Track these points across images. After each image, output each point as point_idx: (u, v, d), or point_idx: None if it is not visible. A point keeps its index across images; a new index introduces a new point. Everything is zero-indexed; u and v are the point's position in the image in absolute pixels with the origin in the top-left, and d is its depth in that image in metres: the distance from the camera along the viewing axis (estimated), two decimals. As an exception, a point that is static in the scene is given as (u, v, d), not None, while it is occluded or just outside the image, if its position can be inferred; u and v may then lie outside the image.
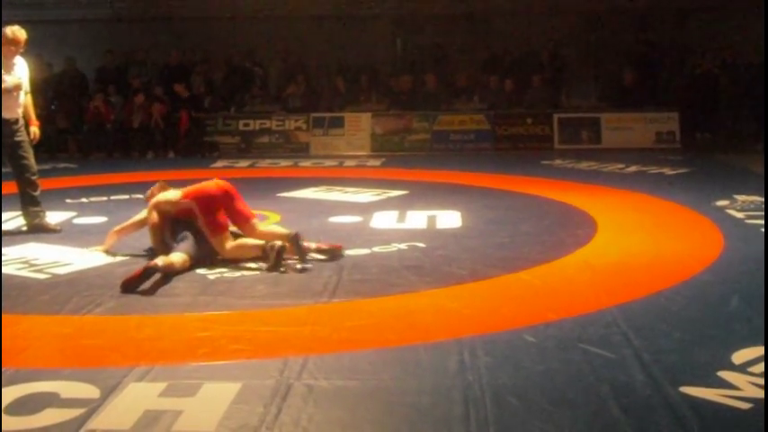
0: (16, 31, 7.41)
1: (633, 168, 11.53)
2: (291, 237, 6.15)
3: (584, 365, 4.02)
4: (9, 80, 7.34)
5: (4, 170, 7.69)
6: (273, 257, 5.92)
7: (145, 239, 6.60)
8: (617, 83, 15.33)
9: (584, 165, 12.10)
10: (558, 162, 12.60)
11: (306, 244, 6.21)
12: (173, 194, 6.45)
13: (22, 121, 7.51)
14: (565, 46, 16.57)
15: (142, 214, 6.65)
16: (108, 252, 6.53)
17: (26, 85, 7.54)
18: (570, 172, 11.51)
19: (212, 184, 6.53)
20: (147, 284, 5.47)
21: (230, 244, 6.18)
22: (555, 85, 15.71)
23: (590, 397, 3.64)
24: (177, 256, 5.85)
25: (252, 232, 6.39)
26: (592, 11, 16.68)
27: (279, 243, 5.99)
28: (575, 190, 9.60)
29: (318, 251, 6.30)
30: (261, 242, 6.12)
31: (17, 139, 7.48)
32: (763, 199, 8.27)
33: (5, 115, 7.38)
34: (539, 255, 6.35)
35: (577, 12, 16.78)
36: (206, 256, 6.10)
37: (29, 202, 7.63)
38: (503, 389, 3.72)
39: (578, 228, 7.39)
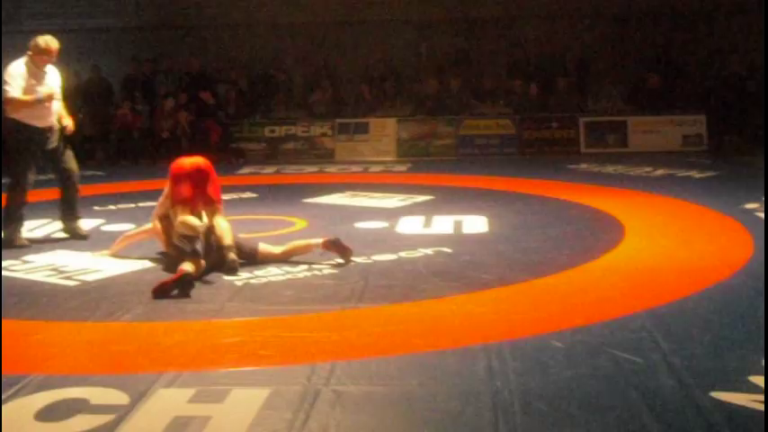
0: (49, 41, 7.48)
1: (660, 172, 11.45)
2: (333, 240, 6.30)
3: (614, 371, 3.99)
4: (42, 90, 7.40)
5: (39, 177, 7.77)
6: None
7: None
8: (643, 86, 15.24)
9: (610, 168, 12.03)
10: (584, 166, 12.54)
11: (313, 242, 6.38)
12: (164, 193, 6.55)
13: (56, 130, 7.59)
14: (590, 49, 16.50)
15: (153, 224, 6.71)
16: (114, 256, 6.60)
17: (59, 94, 7.60)
18: (597, 176, 11.45)
19: (188, 160, 6.58)
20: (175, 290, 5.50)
21: (183, 218, 6.12)
22: (580, 88, 15.64)
23: (620, 402, 3.61)
24: (196, 260, 5.88)
25: (212, 215, 6.30)
26: (617, 14, 16.60)
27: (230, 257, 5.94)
28: (602, 194, 9.56)
29: (327, 246, 6.34)
30: (229, 240, 6.07)
31: (53, 146, 7.56)
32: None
33: (39, 124, 7.45)
34: (566, 259, 6.32)
35: (603, 15, 16.69)
36: (215, 257, 6.10)
37: (67, 207, 7.74)
38: (531, 394, 3.70)
39: (606, 232, 7.35)
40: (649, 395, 3.66)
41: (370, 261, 6.35)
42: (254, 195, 10.22)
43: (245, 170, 13.33)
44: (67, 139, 7.72)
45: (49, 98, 7.45)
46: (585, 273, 5.99)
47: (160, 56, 16.88)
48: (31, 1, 18.20)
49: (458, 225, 7.82)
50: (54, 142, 7.57)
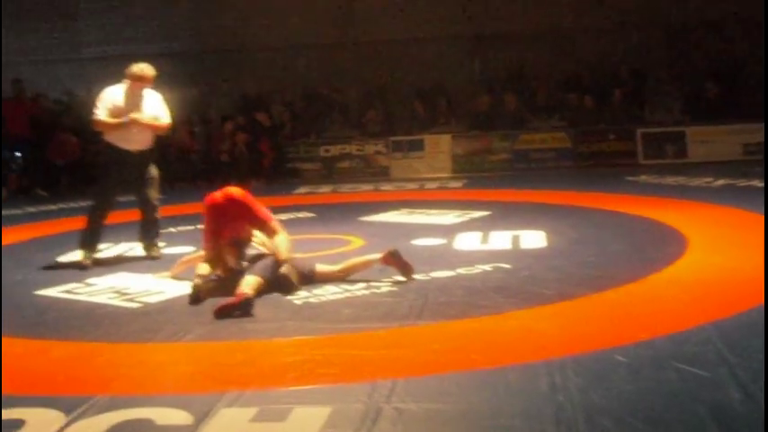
0: (144, 68, 7.76)
1: (721, 182, 11.27)
2: (392, 252, 6.32)
3: (679, 385, 3.91)
4: (130, 115, 7.62)
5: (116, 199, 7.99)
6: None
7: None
8: (701, 95, 15.03)
9: (670, 180, 11.87)
10: (643, 178, 12.40)
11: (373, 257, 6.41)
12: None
13: (148, 154, 7.84)
14: (645, 60, 16.34)
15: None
16: (175, 278, 6.67)
17: (151, 119, 7.78)
18: (656, 187, 11.31)
19: (219, 192, 6.56)
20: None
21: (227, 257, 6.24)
22: (636, 100, 15.48)
23: (687, 417, 3.53)
24: (254, 280, 5.91)
25: (272, 233, 6.37)
26: (672, 24, 16.43)
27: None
28: (662, 206, 9.43)
29: (387, 260, 6.36)
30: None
31: (140, 170, 7.81)
32: None
33: (127, 147, 7.72)
34: (627, 273, 6.23)
35: (658, 25, 16.53)
36: (277, 276, 6.13)
37: (146, 230, 7.97)
38: (595, 410, 3.64)
39: (667, 244, 7.23)
40: (716, 409, 3.58)
41: (428, 278, 6.34)
42: (311, 215, 10.28)
43: (301, 190, 13.42)
44: (154, 162, 7.97)
45: (134, 123, 7.64)
46: (648, 286, 5.90)
47: (215, 79, 17.13)
48: (87, 30, 18.63)
49: (515, 240, 7.77)
50: (143, 167, 7.79)
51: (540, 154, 14.82)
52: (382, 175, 14.94)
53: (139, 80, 7.73)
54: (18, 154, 15.80)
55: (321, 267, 6.42)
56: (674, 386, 3.91)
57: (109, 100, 7.71)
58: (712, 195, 10.09)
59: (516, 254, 7.22)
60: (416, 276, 6.34)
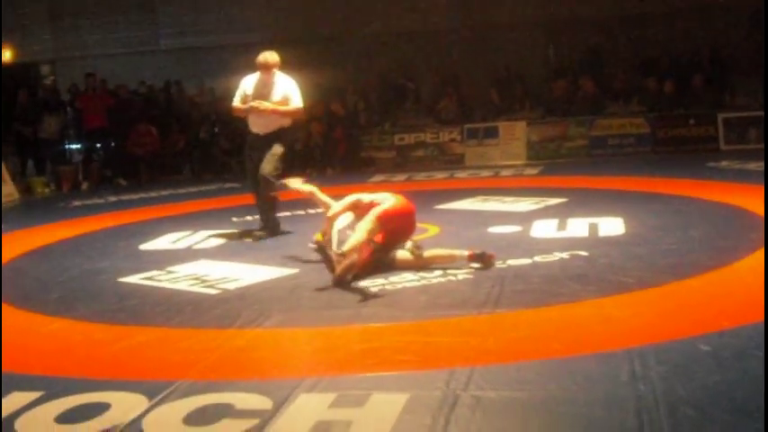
0: (267, 56, 8.17)
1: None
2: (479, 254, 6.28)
3: (763, 374, 3.81)
4: (254, 102, 8.08)
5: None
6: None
7: (298, 251, 6.79)
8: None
9: (753, 165, 11.55)
10: (724, 163, 12.11)
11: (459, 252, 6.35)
12: (371, 216, 6.30)
13: (272, 139, 8.20)
14: (726, 43, 15.93)
15: (334, 204, 6.74)
16: (325, 236, 6.59)
17: (292, 99, 8.19)
18: (738, 173, 11.03)
19: (403, 205, 6.54)
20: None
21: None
22: (717, 84, 15.11)
23: (773, 408, 3.45)
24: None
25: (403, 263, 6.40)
26: (752, 6, 15.97)
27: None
28: (745, 192, 9.19)
29: (472, 259, 6.27)
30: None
31: (263, 152, 8.16)
32: None
33: (254, 130, 8.28)
34: (709, 260, 6.09)
35: (738, 8, 16.10)
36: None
37: (259, 207, 8.38)
38: (678, 400, 3.57)
39: (751, 231, 7.05)
40: (805, 400, 3.48)
41: (504, 266, 6.29)
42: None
43: (377, 178, 13.44)
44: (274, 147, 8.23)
45: (254, 109, 8.12)
46: (731, 274, 5.77)
47: (294, 69, 17.24)
48: (165, 22, 18.93)
49: (593, 228, 7.66)
50: (265, 148, 8.18)
51: (618, 140, 14.56)
52: (457, 162, 14.87)
53: (263, 68, 8.14)
54: (98, 145, 16.19)
55: (402, 254, 6.39)
56: (759, 376, 3.81)
57: (243, 88, 8.28)
58: (798, 181, 9.79)
59: (594, 241, 7.12)
60: (494, 264, 6.30)
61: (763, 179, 9.31)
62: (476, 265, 6.23)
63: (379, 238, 6.26)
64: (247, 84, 8.28)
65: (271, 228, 8.27)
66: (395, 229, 6.36)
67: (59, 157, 15.87)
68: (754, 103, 14.66)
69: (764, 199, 7.92)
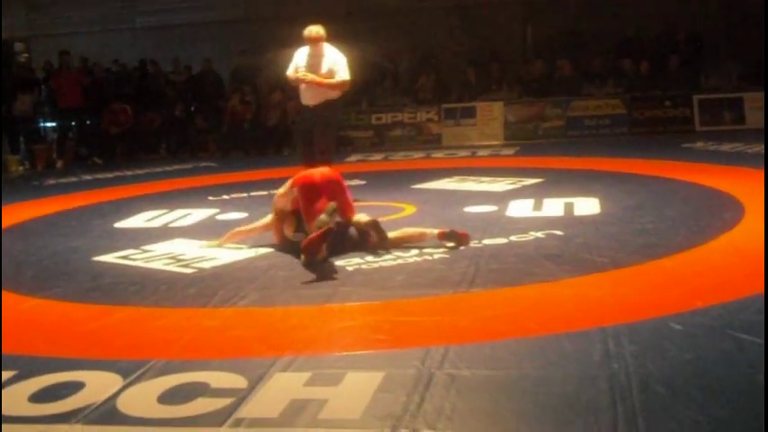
0: (311, 29, 8.45)
1: (780, 149, 11.01)
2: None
3: (737, 354, 3.85)
4: (301, 74, 8.40)
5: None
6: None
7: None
8: (758, 61, 14.68)
9: (727, 147, 11.65)
10: (699, 144, 12.20)
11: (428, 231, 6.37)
12: (284, 187, 6.57)
13: (321, 109, 8.49)
14: (702, 25, 15.99)
15: (266, 219, 6.80)
16: (221, 247, 6.71)
17: (338, 71, 8.44)
18: (713, 154, 11.12)
19: (317, 171, 6.60)
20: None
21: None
22: (693, 65, 15.18)
23: (744, 387, 3.48)
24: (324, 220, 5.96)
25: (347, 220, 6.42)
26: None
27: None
28: (719, 173, 9.26)
29: (442, 237, 6.29)
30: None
31: (313, 123, 8.51)
32: None
33: (304, 102, 8.62)
34: (683, 240, 6.14)
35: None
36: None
37: None
38: (650, 378, 3.60)
39: (724, 212, 7.11)
40: (775, 378, 3.52)
41: (480, 245, 6.31)
42: (363, 182, 10.30)
43: (353, 158, 13.43)
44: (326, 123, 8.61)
45: (300, 81, 8.45)
46: (704, 254, 5.81)
47: (265, 47, 17.15)
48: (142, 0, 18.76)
49: (569, 207, 7.70)
50: (314, 119, 8.49)
51: (595, 120, 14.62)
52: (434, 142, 14.88)
53: (311, 41, 8.42)
54: (73, 124, 16.06)
55: (372, 235, 6.37)
56: (731, 354, 3.85)
57: (296, 59, 8.57)
58: (771, 162, 9.87)
59: (569, 221, 7.15)
60: (469, 243, 6.32)
61: (742, 161, 9.38)
62: (450, 243, 6.25)
63: (296, 204, 6.39)
64: (300, 56, 8.55)
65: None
66: (315, 196, 6.32)
67: (34, 135, 15.73)
68: (728, 84, 14.77)
69: (764, 184, 7.94)
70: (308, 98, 8.56)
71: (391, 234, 6.39)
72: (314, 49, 8.44)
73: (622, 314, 4.53)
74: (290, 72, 8.60)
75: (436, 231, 6.33)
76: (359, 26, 17.14)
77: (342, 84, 8.51)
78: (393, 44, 17.11)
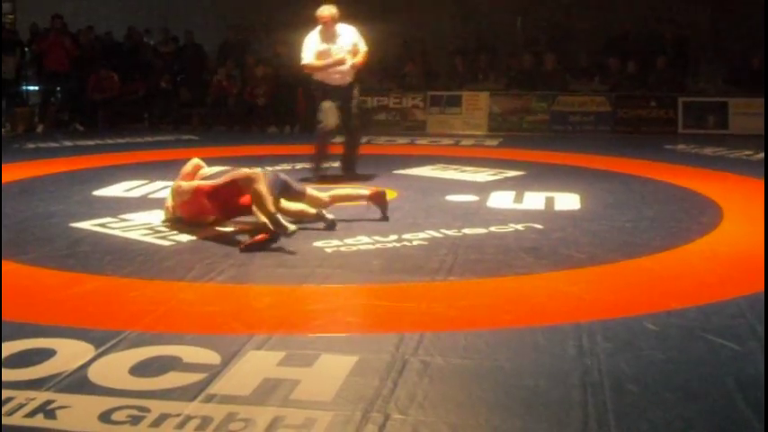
0: (323, 9, 8.49)
1: (761, 155, 11.06)
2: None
3: (709, 356, 3.89)
4: (334, 55, 8.47)
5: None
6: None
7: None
8: (745, 67, 14.77)
9: (709, 150, 11.71)
10: (681, 147, 12.25)
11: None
12: (187, 186, 6.47)
13: (352, 88, 8.66)
14: (690, 28, 16.03)
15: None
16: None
17: (350, 54, 8.54)
18: (695, 157, 11.17)
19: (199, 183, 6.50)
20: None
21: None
22: (680, 67, 15.23)
23: (714, 389, 3.51)
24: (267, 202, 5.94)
25: (313, 201, 6.65)
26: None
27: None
28: (699, 176, 9.31)
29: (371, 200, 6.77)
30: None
31: (343, 104, 8.65)
32: None
33: (333, 83, 8.62)
34: (661, 241, 6.18)
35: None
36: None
37: (346, 162, 9.03)
38: (622, 376, 3.63)
39: (703, 215, 7.16)
40: (746, 383, 3.55)
41: (459, 234, 6.32)
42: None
43: (337, 140, 13.35)
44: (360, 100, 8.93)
45: (337, 63, 8.49)
46: (681, 255, 5.85)
47: (254, 24, 17.02)
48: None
49: (549, 201, 7.72)
50: (345, 98, 8.61)
51: (579, 117, 14.64)
52: (418, 129, 14.85)
53: (326, 21, 8.43)
54: (58, 89, 15.88)
55: (311, 192, 6.70)
56: (703, 357, 3.89)
57: (311, 45, 8.51)
58: (751, 168, 9.93)
59: (549, 215, 7.17)
60: (448, 232, 6.34)
61: (723, 165, 9.43)
62: (374, 206, 6.72)
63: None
64: (313, 40, 8.51)
65: (356, 175, 8.84)
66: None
67: (16, 97, 15.55)
68: (713, 88, 14.83)
69: (764, 189, 8.00)
70: (339, 79, 8.59)
71: (326, 195, 6.74)
72: (329, 30, 8.45)
73: (598, 311, 4.56)
74: (311, 59, 8.51)
75: (367, 192, 6.79)
76: (349, 9, 17.08)
77: (366, 55, 8.65)
78: (382, 28, 17.02)
